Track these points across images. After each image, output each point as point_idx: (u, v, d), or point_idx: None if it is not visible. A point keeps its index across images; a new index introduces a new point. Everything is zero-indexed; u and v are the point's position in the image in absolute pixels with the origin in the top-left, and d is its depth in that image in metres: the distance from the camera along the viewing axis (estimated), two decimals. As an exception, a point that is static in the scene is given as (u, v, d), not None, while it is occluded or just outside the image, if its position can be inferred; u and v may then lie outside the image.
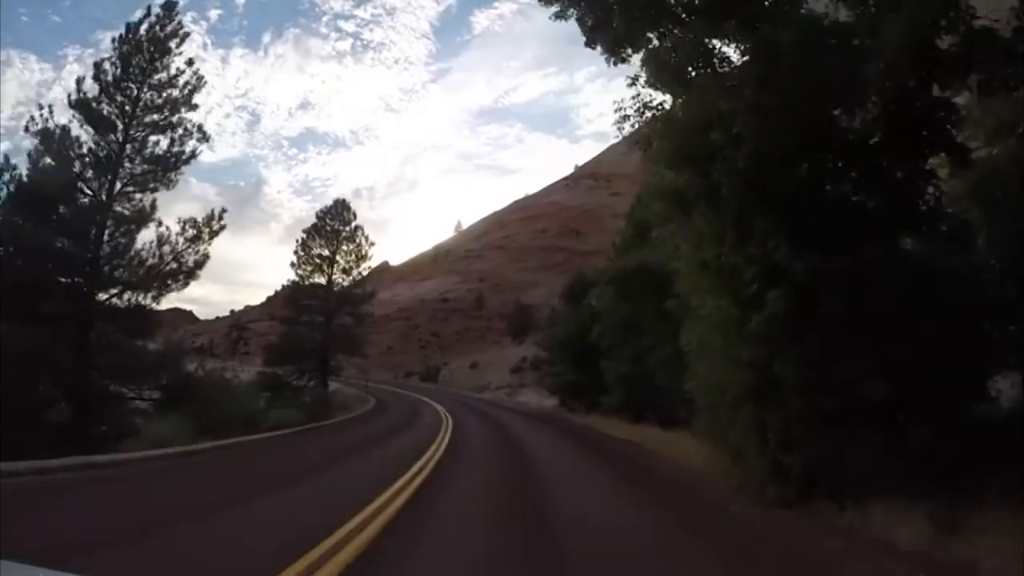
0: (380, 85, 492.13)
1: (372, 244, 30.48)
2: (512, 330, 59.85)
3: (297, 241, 29.69)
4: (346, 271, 29.80)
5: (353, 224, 30.43)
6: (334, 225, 30.27)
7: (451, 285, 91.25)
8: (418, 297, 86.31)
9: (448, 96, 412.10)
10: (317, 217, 30.37)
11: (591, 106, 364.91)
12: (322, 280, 29.51)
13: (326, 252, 29.89)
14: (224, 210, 15.21)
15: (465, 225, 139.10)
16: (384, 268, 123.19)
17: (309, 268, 29.50)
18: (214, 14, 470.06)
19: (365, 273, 30.22)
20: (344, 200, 31.20)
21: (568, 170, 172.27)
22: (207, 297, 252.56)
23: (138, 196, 14.19)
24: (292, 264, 29.28)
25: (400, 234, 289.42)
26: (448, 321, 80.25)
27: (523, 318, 58.44)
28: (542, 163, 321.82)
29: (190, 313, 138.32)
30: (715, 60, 6.30)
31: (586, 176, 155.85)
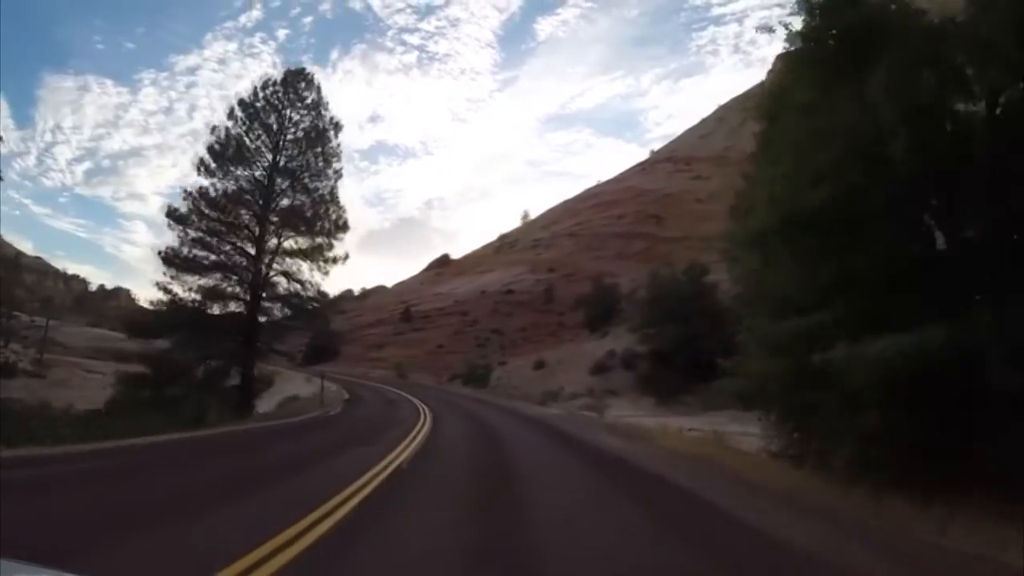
0: (447, 96, 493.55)
1: (339, 127, 16.81)
2: (591, 319, 44.80)
3: (212, 129, 16.46)
4: (296, 174, 16.23)
5: (311, 100, 16.81)
6: (280, 106, 16.79)
7: (516, 276, 77.30)
8: (477, 289, 72.72)
9: (515, 104, 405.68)
10: (253, 92, 16.89)
11: (659, 108, 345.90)
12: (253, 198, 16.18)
13: (265, 150, 16.46)
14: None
15: (533, 215, 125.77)
16: (444, 262, 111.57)
17: (232, 171, 16.15)
18: (282, 34, 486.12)
19: (333, 185, 16.55)
20: (303, 70, 17.52)
21: (643, 157, 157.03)
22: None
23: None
24: (199, 165, 16.01)
25: (471, 242, 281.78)
26: (512, 316, 66.13)
27: (605, 301, 43.29)
28: (611, 168, 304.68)
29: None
30: None
31: (663, 160, 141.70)
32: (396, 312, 69.69)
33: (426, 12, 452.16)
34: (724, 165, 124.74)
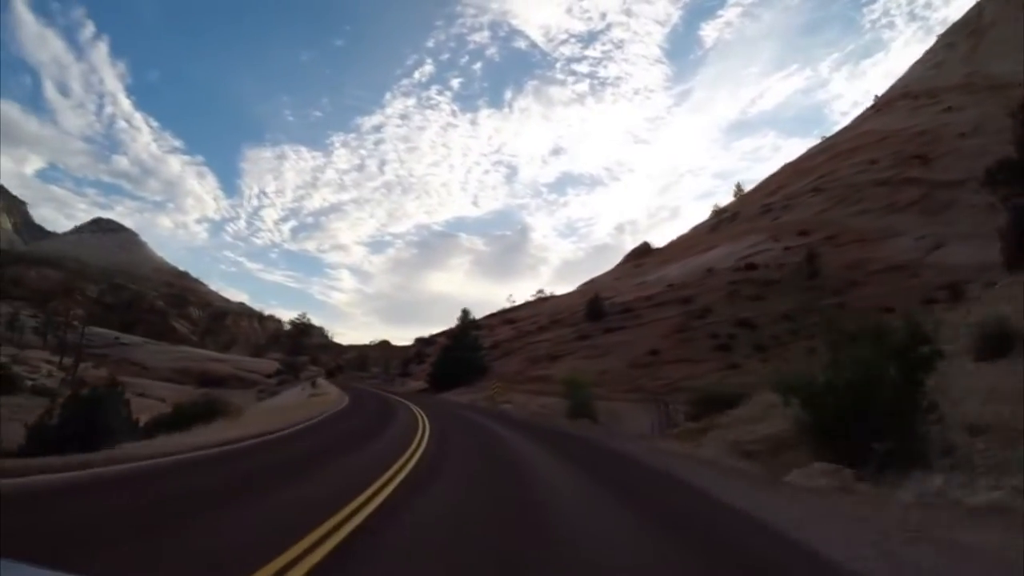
0: (625, 118, 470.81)
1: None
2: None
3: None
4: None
5: None
6: None
7: (754, 247, 50.50)
8: (701, 268, 47.19)
9: (694, 117, 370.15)
10: None
11: (844, 97, 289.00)
12: None
13: None
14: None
15: (747, 187, 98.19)
16: (644, 251, 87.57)
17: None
18: (456, 83, 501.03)
19: None
20: None
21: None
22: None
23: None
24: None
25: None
26: (764, 300, 39.63)
27: None
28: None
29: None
30: None
31: (899, 98, 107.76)
32: (579, 309, 46.30)
33: (589, 39, 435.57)
34: (974, 93, 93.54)
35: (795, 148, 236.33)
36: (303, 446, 10.87)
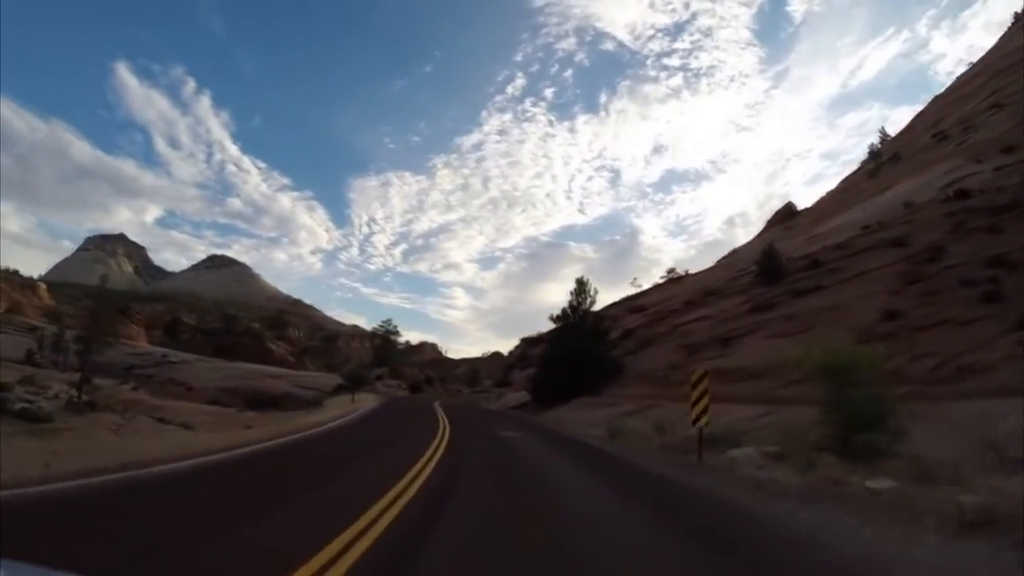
0: (723, 107, 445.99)
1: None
2: None
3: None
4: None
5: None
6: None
7: (950, 173, 38.42)
8: (893, 205, 35.98)
9: (793, 98, 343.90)
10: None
11: (948, 56, 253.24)
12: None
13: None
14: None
15: (892, 131, 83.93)
16: (789, 213, 75.39)
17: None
18: (549, 93, 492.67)
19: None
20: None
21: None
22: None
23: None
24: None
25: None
26: (1003, 232, 27.81)
27: None
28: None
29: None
30: None
31: None
32: (743, 273, 35.95)
33: (676, 31, 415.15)
34: None
35: (904, 116, 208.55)
36: None
